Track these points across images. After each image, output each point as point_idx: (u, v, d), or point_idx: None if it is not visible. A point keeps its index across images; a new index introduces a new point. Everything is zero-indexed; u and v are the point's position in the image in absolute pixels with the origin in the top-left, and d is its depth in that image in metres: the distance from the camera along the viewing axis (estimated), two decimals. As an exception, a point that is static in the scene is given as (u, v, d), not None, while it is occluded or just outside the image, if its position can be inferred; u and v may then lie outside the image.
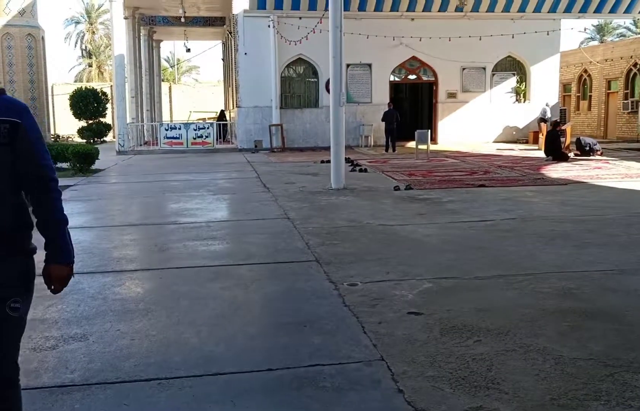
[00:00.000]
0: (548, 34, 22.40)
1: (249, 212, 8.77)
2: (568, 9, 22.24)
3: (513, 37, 22.13)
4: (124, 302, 4.52)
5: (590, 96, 27.81)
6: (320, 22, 19.55)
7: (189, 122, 29.44)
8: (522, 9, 22.01)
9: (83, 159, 14.74)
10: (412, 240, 6.65)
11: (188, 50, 35.04)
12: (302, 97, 22.50)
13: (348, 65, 22.10)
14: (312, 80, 22.43)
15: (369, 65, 22.26)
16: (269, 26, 20.99)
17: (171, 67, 62.92)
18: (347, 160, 17.14)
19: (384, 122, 19.97)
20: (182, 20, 24.30)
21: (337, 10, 10.65)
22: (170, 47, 60.75)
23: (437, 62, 22.60)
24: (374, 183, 11.87)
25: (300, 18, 20.95)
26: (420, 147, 17.72)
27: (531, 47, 22.85)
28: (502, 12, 21.95)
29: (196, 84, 50.24)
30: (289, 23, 20.98)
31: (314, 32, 19.54)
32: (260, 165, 16.43)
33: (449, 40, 21.65)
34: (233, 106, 25.40)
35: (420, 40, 21.66)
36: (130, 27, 24.46)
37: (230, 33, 23.55)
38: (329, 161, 16.85)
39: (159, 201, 9.98)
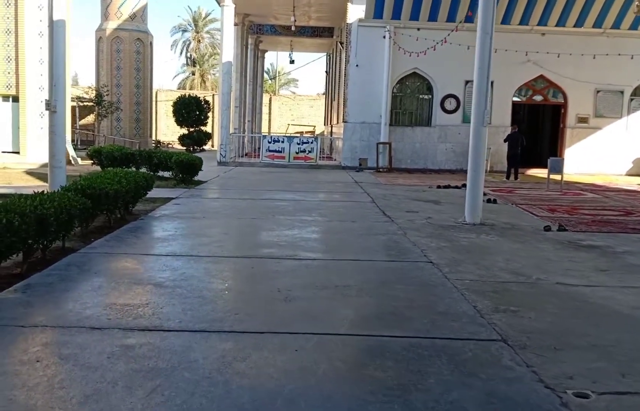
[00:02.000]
0: None
1: (378, 248, 7.31)
2: None
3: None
4: (255, 393, 3.15)
5: None
6: (457, 30, 17.99)
7: (291, 135, 28.68)
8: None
9: (186, 169, 13.97)
10: (618, 313, 4.91)
11: (292, 61, 34.42)
12: (414, 114, 20.91)
13: (467, 82, 20.38)
14: (426, 96, 20.80)
15: (491, 82, 20.20)
16: (384, 37, 19.64)
17: (271, 79, 63.29)
18: (466, 186, 15.45)
19: (506, 147, 17.99)
20: (293, 28, 23.45)
21: (489, 14, 9.05)
22: (272, 58, 60.98)
23: (567, 82, 20.29)
24: (513, 219, 10.09)
25: (418, 29, 19.48)
26: (552, 176, 15.62)
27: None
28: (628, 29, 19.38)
29: (295, 96, 49.77)
30: (406, 34, 19.54)
31: (434, 48, 17.98)
32: (370, 186, 15.01)
33: (583, 56, 19.40)
34: (338, 121, 24.23)
35: (552, 56, 19.49)
36: (239, 34, 23.94)
37: (342, 44, 22.42)
38: (446, 186, 15.38)
39: (269, 225, 8.74)
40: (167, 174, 14.55)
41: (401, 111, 20.89)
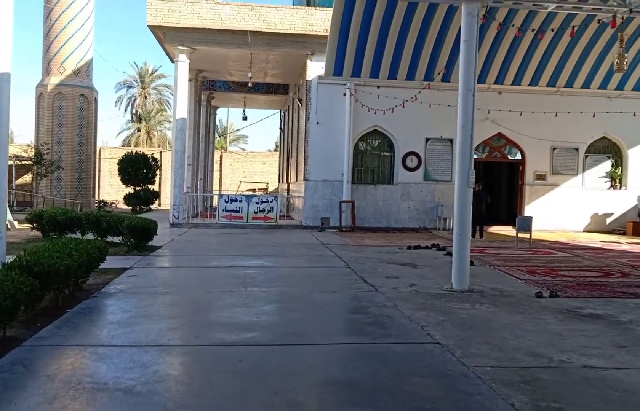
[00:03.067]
0: (635, 115, 20.13)
1: (375, 327, 6.51)
2: (673, 88, 20.01)
3: (606, 116, 19.97)
4: None
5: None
6: (415, 99, 17.91)
7: (249, 194, 27.82)
8: (620, 87, 19.89)
9: (140, 234, 12.80)
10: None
11: (245, 118, 33.78)
12: (376, 172, 20.53)
13: (427, 140, 20.27)
14: (387, 154, 20.49)
15: (450, 141, 20.22)
16: (344, 94, 19.30)
17: (220, 135, 62.48)
18: (436, 246, 14.99)
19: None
20: (249, 85, 22.93)
21: (471, 71, 8.63)
22: (222, 114, 60.32)
23: (525, 140, 20.45)
24: (498, 284, 9.55)
25: (378, 87, 19.27)
26: (520, 235, 15.34)
27: (629, 129, 20.58)
28: (598, 88, 19.85)
29: (248, 153, 49.09)
30: (367, 91, 19.28)
31: (403, 107, 17.85)
32: (338, 248, 14.28)
33: (539, 114, 19.64)
34: (297, 178, 23.60)
35: (510, 114, 19.62)
36: (192, 90, 23.19)
37: (300, 101, 21.99)
38: (417, 247, 14.84)
39: (244, 300, 7.82)
40: (118, 240, 13.36)
41: (363, 168, 20.48)
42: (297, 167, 23.69)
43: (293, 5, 25.20)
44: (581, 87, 19.67)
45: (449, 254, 13.37)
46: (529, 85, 19.64)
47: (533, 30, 15.91)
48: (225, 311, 7.13)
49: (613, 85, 19.62)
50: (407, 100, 18.53)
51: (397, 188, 20.25)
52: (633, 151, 20.93)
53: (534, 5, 9.72)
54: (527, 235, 15.28)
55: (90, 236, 13.63)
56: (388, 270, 10.77)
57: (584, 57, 18.71)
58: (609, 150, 21.22)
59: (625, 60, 10.53)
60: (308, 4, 24.79)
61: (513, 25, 15.26)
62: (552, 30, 15.54)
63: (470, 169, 8.95)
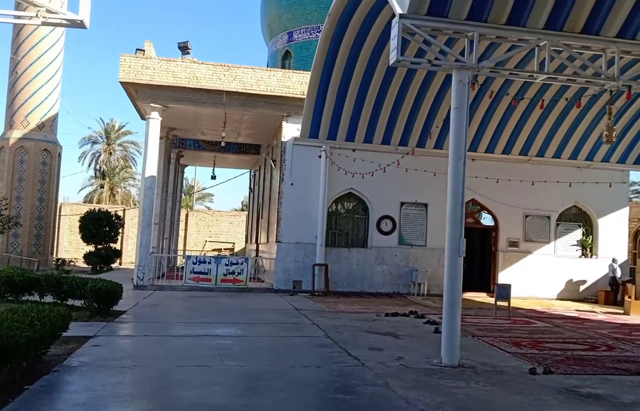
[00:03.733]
0: (610, 186, 20.55)
1: (369, 410, 5.96)
2: (638, 161, 20.48)
3: (576, 186, 20.30)
4: None
5: (652, 254, 25.49)
6: (398, 163, 17.89)
7: (219, 256, 27.06)
8: (589, 158, 20.22)
9: (104, 298, 11.98)
10: None
11: (214, 177, 33.25)
12: (350, 235, 20.18)
13: (402, 204, 20.12)
14: (362, 217, 20.23)
15: (425, 205, 20.13)
16: (319, 156, 19.09)
17: (185, 194, 61.55)
18: (414, 313, 14.56)
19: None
20: (223, 144, 22.56)
21: (462, 138, 8.44)
22: (190, 172, 59.65)
23: (498, 207, 20.51)
24: (486, 358, 9.15)
25: (354, 150, 19.14)
26: (499, 303, 15.07)
27: (598, 198, 20.91)
28: (568, 159, 20.15)
29: (214, 212, 48.33)
30: (342, 154, 19.11)
31: (384, 171, 17.80)
32: (314, 314, 13.71)
33: (511, 182, 19.83)
34: (267, 240, 23.06)
35: (483, 181, 19.69)
36: (163, 148, 22.66)
37: (274, 161, 21.68)
38: (394, 314, 14.36)
39: (221, 377, 7.18)
40: (80, 303, 12.48)
41: (337, 231, 20.11)
42: (268, 228, 23.19)
43: (267, 66, 25.23)
44: (552, 157, 19.95)
45: (430, 323, 13.00)
46: (502, 154, 19.80)
47: (508, 94, 16.06)
48: (202, 390, 6.47)
49: (583, 156, 19.96)
50: (388, 165, 18.55)
51: (371, 252, 19.90)
52: (603, 220, 21.18)
53: (529, 76, 9.71)
54: (505, 303, 15.02)
55: (49, 298, 12.77)
56: (370, 341, 10.26)
57: (555, 128, 19.03)
58: (579, 218, 21.44)
59: (614, 132, 10.57)
60: (283, 66, 24.89)
61: (491, 91, 15.38)
62: (528, 98, 15.72)
63: (461, 237, 8.65)
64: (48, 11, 8.26)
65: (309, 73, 19.34)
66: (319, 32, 24.51)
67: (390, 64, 8.74)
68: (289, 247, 19.52)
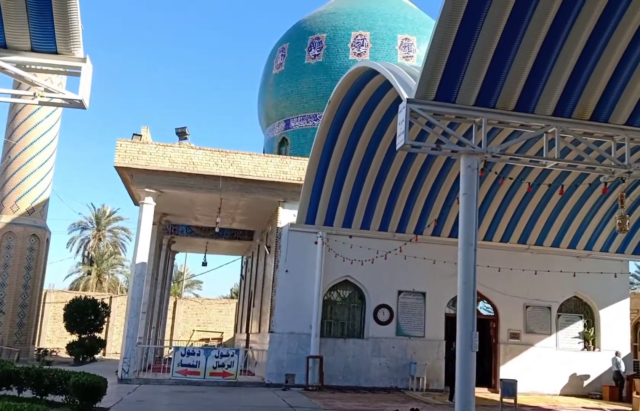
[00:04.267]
0: (615, 276, 20.27)
1: None
2: (637, 251, 20.31)
3: (576, 275, 19.98)
4: None
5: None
6: (400, 251, 17.60)
7: (209, 347, 26.08)
8: (588, 247, 20.04)
9: (87, 394, 11.20)
10: None
11: (205, 264, 32.69)
12: (346, 325, 19.52)
13: (400, 292, 19.64)
14: (358, 306, 19.64)
15: (423, 294, 19.63)
16: (315, 243, 18.71)
17: (174, 281, 60.35)
18: (419, 411, 13.75)
19: (448, 363, 16.81)
20: (217, 230, 22.18)
21: (472, 224, 8.12)
22: (179, 259, 58.79)
23: (497, 296, 20.04)
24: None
25: (350, 237, 18.84)
26: (505, 400, 14.35)
27: (599, 289, 20.53)
28: (567, 248, 19.96)
29: (203, 300, 47.24)
30: (339, 240, 18.79)
31: (391, 255, 17.44)
32: (312, 411, 12.90)
33: (511, 270, 19.48)
34: (259, 329, 22.28)
35: (482, 269, 19.17)
36: (155, 234, 22.20)
37: (268, 248, 21.25)
38: (400, 414, 13.56)
39: None
40: (61, 399, 11.63)
41: (333, 321, 19.44)
42: (260, 317, 22.45)
43: (264, 153, 25.26)
44: (551, 246, 19.73)
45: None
46: (500, 242, 19.55)
47: (511, 178, 15.89)
48: None
49: (582, 245, 19.77)
50: (388, 252, 18.19)
51: (367, 343, 19.18)
52: (604, 312, 20.72)
53: (530, 161, 9.56)
54: (510, 400, 14.32)
55: (28, 393, 11.94)
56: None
57: (553, 216, 18.91)
58: (580, 309, 20.96)
59: (628, 221, 10.34)
60: (280, 153, 24.92)
61: (495, 173, 15.22)
62: (527, 182, 15.52)
63: (474, 331, 8.16)
64: (47, 90, 8.05)
65: (306, 159, 19.33)
66: (316, 120, 24.88)
67: (397, 149, 8.55)
68: (282, 337, 18.78)
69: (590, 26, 8.05)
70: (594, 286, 20.29)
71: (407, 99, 8.24)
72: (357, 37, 25.23)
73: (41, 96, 7.90)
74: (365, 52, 24.87)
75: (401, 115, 8.34)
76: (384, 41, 24.93)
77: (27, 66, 8.02)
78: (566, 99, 8.55)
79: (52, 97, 8.11)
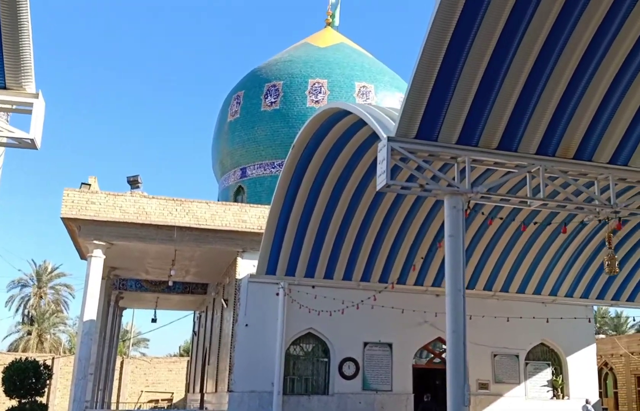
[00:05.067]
0: (590, 322, 20.22)
1: None
2: (601, 296, 20.28)
3: (542, 322, 19.72)
4: None
5: (616, 393, 24.84)
6: (375, 299, 16.91)
7: (157, 408, 24.36)
8: (553, 293, 19.84)
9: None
10: None
11: (154, 320, 31.21)
12: (310, 380, 18.53)
13: (365, 344, 18.87)
14: (323, 360, 18.72)
15: (389, 345, 18.92)
16: (277, 294, 17.81)
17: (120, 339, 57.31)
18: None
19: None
20: (170, 283, 21.00)
21: (459, 267, 7.60)
22: (127, 316, 56.17)
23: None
24: None
25: (313, 287, 17.99)
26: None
27: (565, 335, 20.32)
28: (533, 294, 19.68)
29: (152, 359, 44.91)
30: (302, 291, 17.92)
31: (358, 308, 16.73)
32: None
33: (477, 318, 18.93)
34: (216, 389, 20.95)
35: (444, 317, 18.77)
36: (103, 289, 20.79)
37: (226, 301, 20.16)
38: None
39: None
40: None
41: (296, 377, 18.40)
42: (217, 375, 21.15)
43: (218, 200, 24.38)
44: (517, 292, 19.46)
45: None
46: (466, 289, 19.09)
47: (483, 214, 15.53)
48: None
49: (547, 291, 19.57)
50: (357, 303, 17.46)
51: (332, 400, 18.21)
52: (572, 358, 20.49)
53: (520, 202, 9.16)
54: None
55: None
56: None
57: (519, 262, 18.70)
58: (548, 356, 20.67)
59: (616, 261, 10.02)
60: (235, 202, 24.09)
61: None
62: (495, 224, 15.23)
63: (466, 384, 7.51)
64: (-12, 128, 7.10)
65: (266, 207, 18.63)
66: (273, 167, 24.30)
67: (378, 189, 8.00)
68: (242, 396, 17.61)
69: (573, 63, 7.82)
70: (560, 332, 20.08)
71: (388, 137, 7.73)
72: (314, 84, 25.02)
73: (-15, 134, 6.96)
74: (323, 99, 24.63)
75: (381, 154, 7.81)
76: (341, 88, 24.78)
77: (-33, 102, 7.08)
78: (549, 138, 8.25)
79: None
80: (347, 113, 11.19)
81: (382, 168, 7.73)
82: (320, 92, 24.79)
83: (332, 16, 30.14)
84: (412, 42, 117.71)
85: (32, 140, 7.12)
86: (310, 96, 24.75)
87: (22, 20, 6.51)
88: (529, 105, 8.01)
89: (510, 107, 7.97)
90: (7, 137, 7.36)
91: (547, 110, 8.12)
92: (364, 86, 24.78)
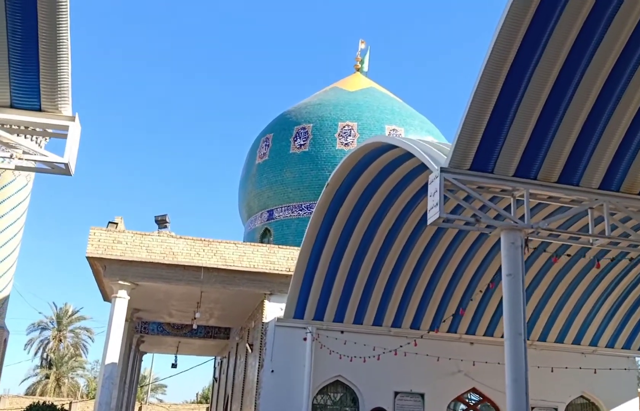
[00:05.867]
0: (616, 370, 19.09)
1: None
2: (644, 346, 19.34)
3: (582, 374, 18.70)
4: None
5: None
6: (416, 344, 16.26)
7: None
8: (593, 343, 18.97)
9: None
10: None
11: (174, 365, 30.56)
12: (338, 431, 17.68)
13: (396, 393, 17.99)
14: (351, 409, 17.87)
15: (422, 396, 18.03)
16: (304, 339, 17.17)
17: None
18: None
19: None
20: (194, 327, 20.44)
21: (519, 309, 7.02)
22: (146, 361, 55.45)
23: (500, 396, 18.46)
24: None
25: (342, 332, 17.38)
26: None
27: (606, 387, 19.20)
28: (571, 344, 18.83)
29: (170, 405, 44.08)
30: (331, 337, 17.25)
31: (378, 359, 15.98)
32: None
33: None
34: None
35: (483, 368, 17.92)
36: (125, 332, 20.30)
37: (250, 346, 19.52)
38: None
39: None
40: None
41: (324, 427, 17.62)
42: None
43: (243, 241, 24.00)
44: (555, 342, 18.60)
45: None
46: (501, 337, 18.28)
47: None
48: None
49: (587, 341, 18.69)
50: (390, 351, 16.77)
51: (362, 454, 17.32)
52: (614, 412, 19.41)
53: (578, 239, 8.60)
54: None
55: None
56: None
57: (557, 310, 17.92)
58: (588, 410, 19.59)
59: None
60: (262, 241, 23.70)
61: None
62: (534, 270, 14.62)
63: (531, 438, 6.82)
64: (25, 153, 6.82)
65: (294, 248, 18.20)
66: (300, 209, 23.93)
67: (429, 223, 7.51)
68: (268, 445, 16.83)
69: None
70: (601, 385, 19.02)
71: (441, 168, 7.29)
72: (344, 127, 24.82)
73: (19, 158, 6.66)
74: (352, 142, 24.38)
75: (433, 186, 7.35)
76: (372, 131, 24.52)
77: (4, 125, 6.83)
78: (613, 171, 7.75)
79: (32, 159, 6.85)
80: (389, 147, 10.80)
81: (434, 200, 7.26)
82: (350, 135, 24.57)
83: (362, 62, 30.17)
84: (440, 90, 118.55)
85: (66, 165, 6.81)
86: (340, 139, 24.53)
87: (61, 38, 6.27)
88: (592, 135, 7.54)
89: (572, 139, 7.51)
90: (40, 160, 7.05)
91: (612, 142, 7.64)
92: (394, 129, 24.52)
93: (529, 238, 7.70)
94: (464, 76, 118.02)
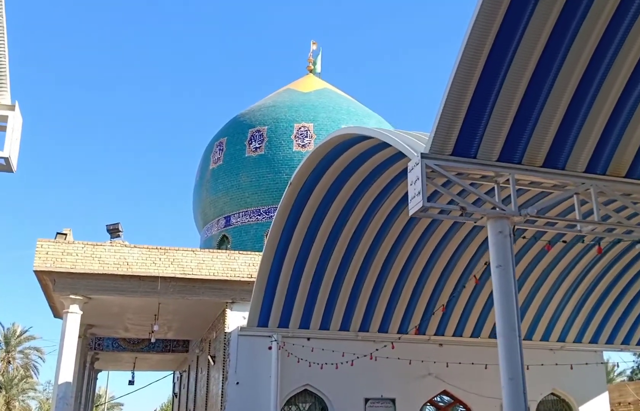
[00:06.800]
0: (586, 364, 19.01)
1: None
2: (610, 340, 19.31)
3: (552, 371, 18.55)
4: None
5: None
6: (393, 347, 15.55)
7: None
8: (561, 339, 18.83)
9: None
10: None
11: (132, 382, 29.16)
12: (308, 443, 16.92)
13: (367, 400, 17.42)
14: (321, 422, 17.17)
15: (392, 401, 17.47)
16: (270, 348, 16.37)
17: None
18: None
19: None
20: (152, 340, 19.33)
21: (511, 301, 6.48)
22: (101, 379, 53.36)
23: (472, 397, 18.15)
24: None
25: (308, 339, 16.68)
26: None
27: (576, 383, 19.09)
28: (540, 340, 18.62)
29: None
30: (298, 344, 16.52)
31: (352, 364, 15.31)
32: None
33: (484, 368, 17.75)
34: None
35: (454, 369, 17.53)
36: (79, 349, 19.06)
37: (213, 358, 18.57)
38: None
39: None
40: None
41: (292, 440, 16.82)
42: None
43: (200, 248, 23.02)
44: (524, 339, 18.29)
45: None
46: (470, 337, 18.00)
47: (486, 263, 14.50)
48: None
49: (555, 337, 18.52)
50: (362, 356, 16.11)
51: (332, 466, 16.63)
52: (584, 408, 19.27)
53: (568, 225, 8.17)
54: None
55: None
56: None
57: (525, 306, 17.66)
58: (559, 407, 19.41)
59: None
60: (219, 248, 22.78)
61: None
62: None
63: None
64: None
65: (256, 253, 17.48)
66: (258, 214, 23.14)
67: (411, 214, 6.91)
68: (235, 462, 15.94)
69: (626, 71, 6.98)
70: (571, 380, 18.88)
71: (421, 154, 6.70)
72: (300, 128, 24.20)
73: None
74: (309, 143, 23.79)
75: (414, 173, 6.76)
76: (328, 132, 23.89)
77: None
78: (598, 155, 7.35)
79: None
80: (361, 138, 10.17)
81: (415, 189, 6.67)
82: (307, 136, 23.97)
83: (314, 63, 29.71)
84: (394, 90, 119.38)
85: (6, 159, 5.92)
86: (297, 140, 23.90)
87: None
88: (576, 119, 7.11)
89: (557, 122, 7.06)
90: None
91: (597, 123, 7.24)
92: (352, 129, 24.03)
93: (517, 226, 7.23)
94: (424, 76, 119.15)
